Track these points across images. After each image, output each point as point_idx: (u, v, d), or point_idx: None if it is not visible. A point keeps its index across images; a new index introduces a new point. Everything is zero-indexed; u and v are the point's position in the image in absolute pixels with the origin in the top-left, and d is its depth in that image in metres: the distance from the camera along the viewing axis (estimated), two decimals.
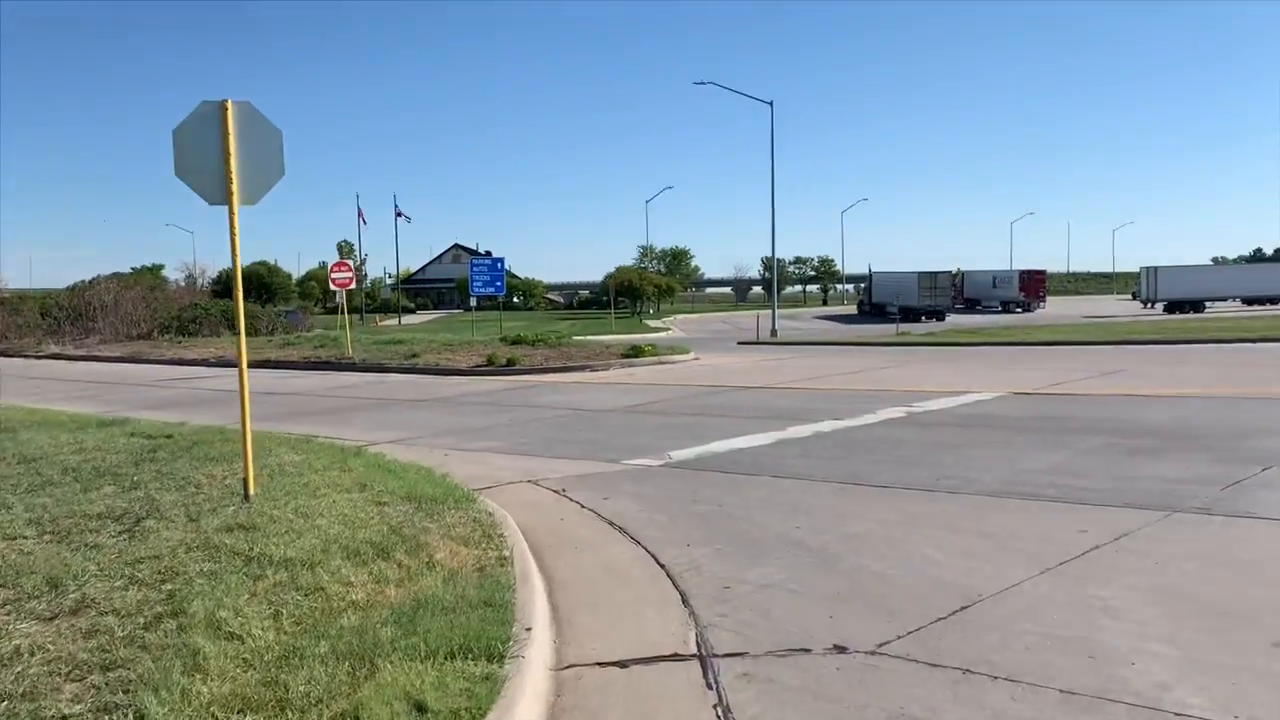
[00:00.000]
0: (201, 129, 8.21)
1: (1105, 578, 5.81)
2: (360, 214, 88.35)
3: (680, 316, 78.98)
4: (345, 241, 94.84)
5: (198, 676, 4.22)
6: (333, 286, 29.88)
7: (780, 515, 7.83)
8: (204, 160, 8.20)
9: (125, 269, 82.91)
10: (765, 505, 8.27)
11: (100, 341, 43.73)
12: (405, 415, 16.30)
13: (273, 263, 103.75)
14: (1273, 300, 70.02)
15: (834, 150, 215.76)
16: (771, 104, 45.79)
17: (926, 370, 22.33)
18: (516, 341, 29.26)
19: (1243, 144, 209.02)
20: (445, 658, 4.33)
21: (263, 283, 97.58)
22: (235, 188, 8.20)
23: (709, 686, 4.38)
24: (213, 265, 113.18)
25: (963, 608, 5.35)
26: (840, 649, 4.80)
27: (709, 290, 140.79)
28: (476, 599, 5.24)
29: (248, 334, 44.26)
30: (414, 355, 27.64)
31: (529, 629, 4.82)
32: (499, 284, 47.87)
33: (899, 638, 4.92)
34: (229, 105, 8.15)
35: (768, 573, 6.16)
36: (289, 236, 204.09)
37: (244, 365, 8.42)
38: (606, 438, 12.77)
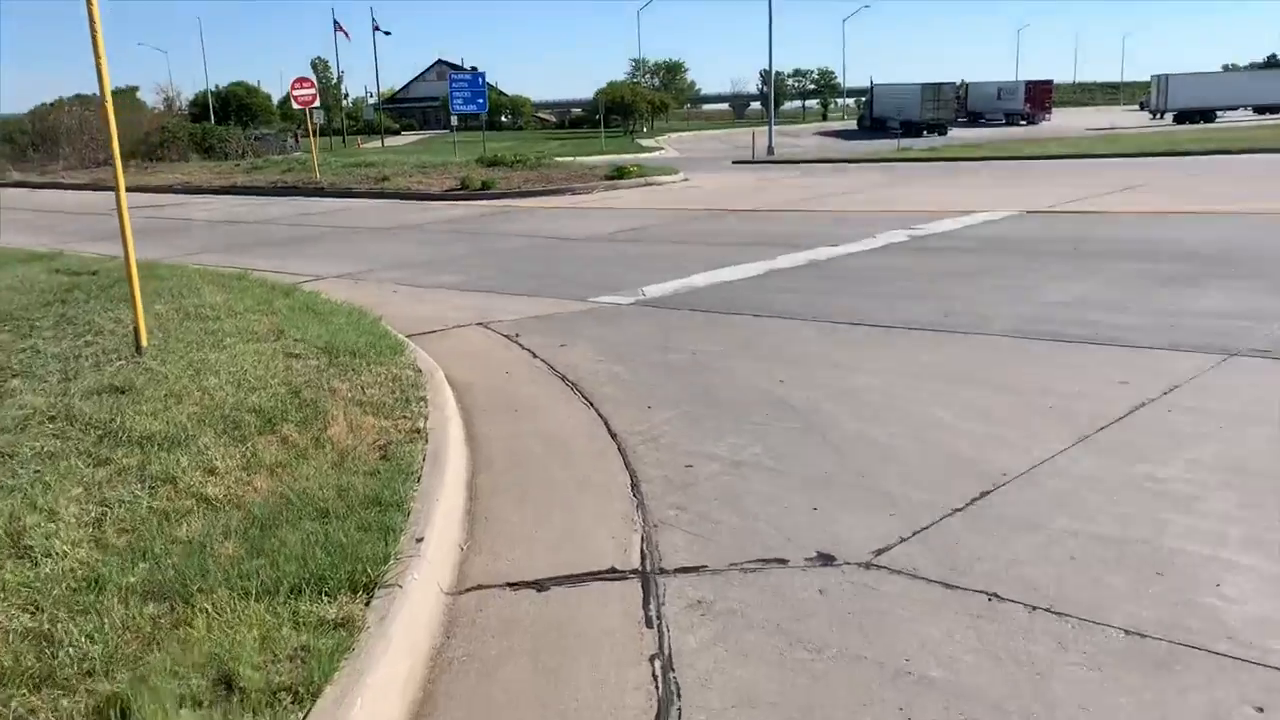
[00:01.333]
0: None
1: (1161, 448, 4.65)
2: (338, 26, 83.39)
3: (675, 135, 75.98)
4: (320, 59, 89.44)
5: None
6: (295, 105, 27.80)
7: (763, 365, 6.63)
8: None
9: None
10: (746, 352, 7.06)
11: (65, 168, 41.65)
12: (362, 246, 14.94)
13: (254, 83, 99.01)
14: None
15: None
16: None
17: (931, 188, 20.77)
18: (494, 163, 27.43)
19: None
20: (290, 593, 3.19)
21: (242, 104, 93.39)
22: None
23: (649, 624, 3.26)
24: (189, 86, 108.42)
25: (984, 494, 4.21)
26: (826, 559, 3.67)
27: (705, 107, 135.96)
28: (363, 494, 4.08)
29: (214, 158, 42.22)
30: (384, 179, 25.94)
31: (420, 539, 3.68)
32: (481, 101, 45.30)
33: (903, 540, 3.79)
34: None
35: (741, 444, 5.00)
36: (269, 56, 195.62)
37: (122, 194, 7.04)
38: (577, 271, 11.47)
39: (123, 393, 5.88)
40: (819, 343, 7.23)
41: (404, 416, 5.29)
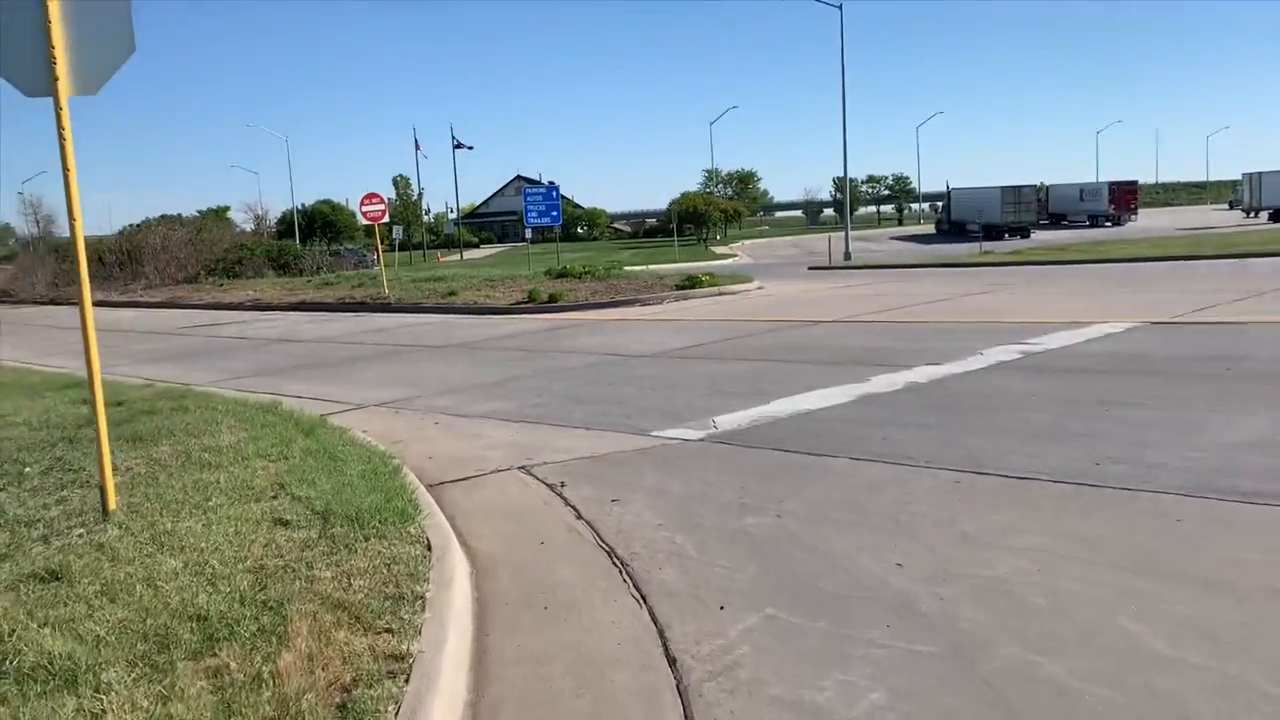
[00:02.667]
0: None
1: None
2: (417, 145, 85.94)
3: (748, 242, 75.54)
4: (401, 176, 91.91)
5: None
6: (363, 221, 27.51)
7: (872, 536, 5.12)
8: (15, 34, 5.63)
9: (192, 212, 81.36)
10: (845, 515, 5.56)
11: (146, 286, 42.35)
12: (416, 367, 13.87)
13: (341, 201, 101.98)
14: None
15: (908, 60, 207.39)
16: (840, 7, 41.91)
17: (1030, 295, 19.15)
18: (562, 275, 26.63)
19: None
20: None
21: (327, 221, 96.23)
22: (63, 71, 5.64)
23: None
24: (280, 204, 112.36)
25: None
26: None
27: (778, 214, 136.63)
28: None
29: (289, 274, 42.46)
30: (452, 294, 25.25)
31: None
32: (555, 213, 45.23)
33: None
34: None
35: (857, 685, 3.48)
36: (356, 173, 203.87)
37: (88, 315, 5.93)
38: (640, 395, 10.13)
39: (56, 580, 4.64)
40: (940, 502, 5.69)
41: (388, 629, 3.90)
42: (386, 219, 28.24)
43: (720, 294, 23.25)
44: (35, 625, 4.00)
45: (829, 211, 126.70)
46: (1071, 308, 15.84)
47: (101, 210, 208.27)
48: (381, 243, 68.89)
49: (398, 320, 22.40)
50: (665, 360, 12.71)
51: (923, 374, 10.09)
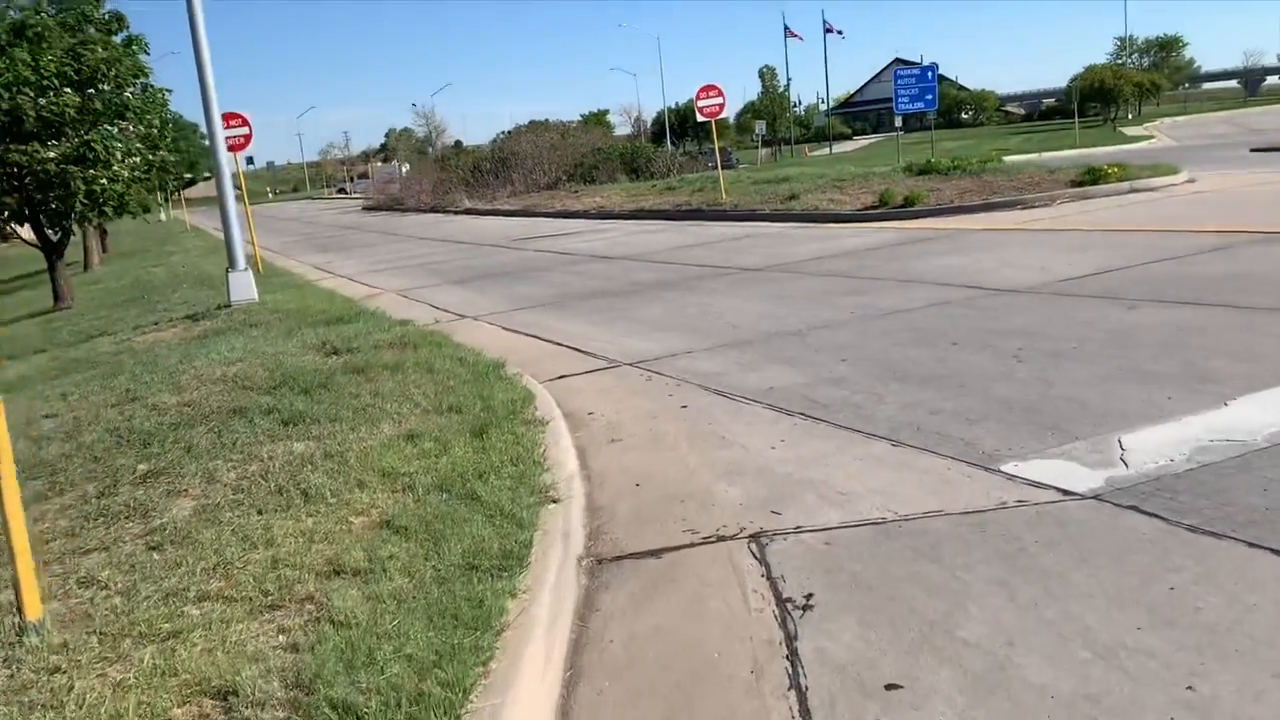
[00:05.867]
0: None
1: None
2: (788, 30, 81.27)
3: (1168, 120, 64.11)
4: (767, 67, 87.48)
5: None
6: (700, 116, 24.84)
7: None
8: None
9: (575, 117, 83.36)
10: None
11: (511, 194, 43.13)
12: (710, 301, 11.03)
13: None
14: None
15: None
16: None
17: None
18: (925, 171, 22.31)
19: None
20: None
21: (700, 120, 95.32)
22: None
23: None
24: (650, 109, 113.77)
25: None
26: None
27: (1206, 86, 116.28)
28: None
29: (640, 178, 41.22)
30: (793, 197, 21.98)
31: None
32: (929, 97, 40.07)
33: None
34: None
35: None
36: (723, 68, 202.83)
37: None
38: (997, 369, 6.54)
39: None
40: None
41: None
42: (725, 114, 25.35)
43: (1133, 190, 17.91)
44: None
45: (1273, 79, 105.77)
46: None
47: (504, 118, 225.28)
48: (754, 139, 65.48)
49: (726, 230, 19.71)
50: (1046, 300, 8.79)
51: None
